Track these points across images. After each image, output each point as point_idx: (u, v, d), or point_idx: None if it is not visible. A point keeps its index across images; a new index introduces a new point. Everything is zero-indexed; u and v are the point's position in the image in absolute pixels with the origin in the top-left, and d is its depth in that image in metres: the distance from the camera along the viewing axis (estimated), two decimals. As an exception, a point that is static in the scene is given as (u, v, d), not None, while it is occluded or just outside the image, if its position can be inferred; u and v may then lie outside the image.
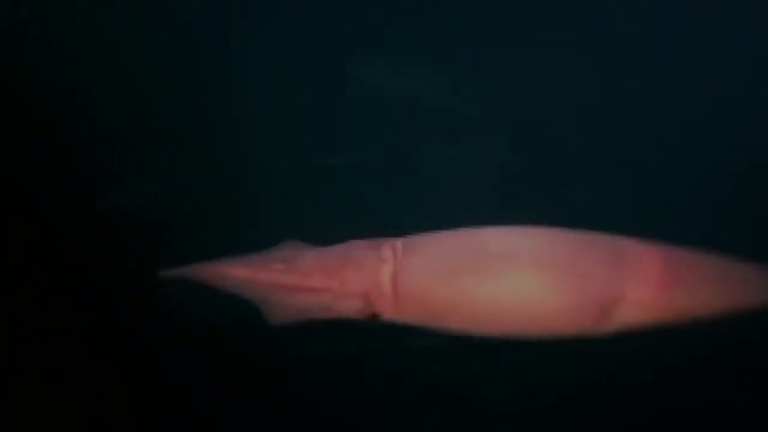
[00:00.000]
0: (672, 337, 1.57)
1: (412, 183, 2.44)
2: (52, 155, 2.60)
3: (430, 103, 2.67)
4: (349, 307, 1.58)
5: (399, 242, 1.68)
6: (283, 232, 1.86)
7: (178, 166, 2.57)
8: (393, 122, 2.63)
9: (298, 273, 1.63)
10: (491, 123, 2.60)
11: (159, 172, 2.57)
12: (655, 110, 2.40)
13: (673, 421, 1.82)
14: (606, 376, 1.81)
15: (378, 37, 2.80)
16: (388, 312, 1.55)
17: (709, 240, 1.63)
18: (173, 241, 2.32)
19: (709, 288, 1.55)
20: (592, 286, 1.49)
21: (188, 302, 1.99)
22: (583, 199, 2.05)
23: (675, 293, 1.52)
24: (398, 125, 2.62)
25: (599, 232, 1.61)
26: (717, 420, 1.82)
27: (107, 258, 2.40)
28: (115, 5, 2.86)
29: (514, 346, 1.60)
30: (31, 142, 2.62)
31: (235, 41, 2.84)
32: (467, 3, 2.90)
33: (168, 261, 1.98)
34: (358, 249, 1.66)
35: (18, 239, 2.41)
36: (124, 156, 2.61)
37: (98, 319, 2.32)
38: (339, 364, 2.02)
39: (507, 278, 1.52)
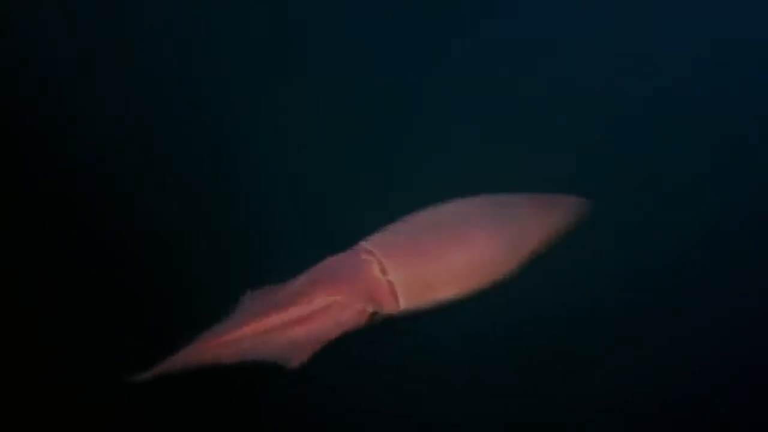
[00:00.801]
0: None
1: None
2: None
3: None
4: (357, 313, 1.71)
5: (367, 243, 1.86)
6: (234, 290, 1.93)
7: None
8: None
9: (303, 301, 1.71)
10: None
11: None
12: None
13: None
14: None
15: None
16: (390, 304, 1.74)
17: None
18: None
19: (559, 211, 2.07)
20: (514, 232, 1.89)
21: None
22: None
23: (548, 218, 2.01)
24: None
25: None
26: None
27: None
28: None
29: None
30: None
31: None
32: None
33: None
34: (340, 261, 1.81)
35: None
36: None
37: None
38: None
39: (470, 241, 1.82)
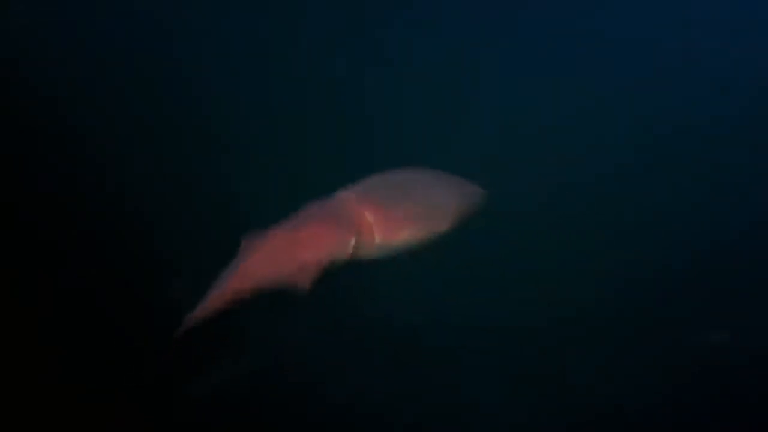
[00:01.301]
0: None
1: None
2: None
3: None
4: (344, 243, 2.03)
5: (344, 192, 2.20)
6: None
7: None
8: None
9: (299, 231, 2.03)
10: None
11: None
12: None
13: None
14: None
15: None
16: (368, 238, 2.08)
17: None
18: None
19: (470, 192, 2.42)
20: (446, 196, 2.29)
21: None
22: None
23: (464, 194, 2.38)
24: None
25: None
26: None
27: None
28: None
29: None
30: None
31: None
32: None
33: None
34: (325, 203, 2.15)
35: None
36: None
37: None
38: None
39: (420, 196, 2.24)
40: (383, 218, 2.11)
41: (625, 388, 2.38)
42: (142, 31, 3.15)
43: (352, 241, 2.05)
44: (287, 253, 1.99)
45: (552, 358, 2.39)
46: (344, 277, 2.18)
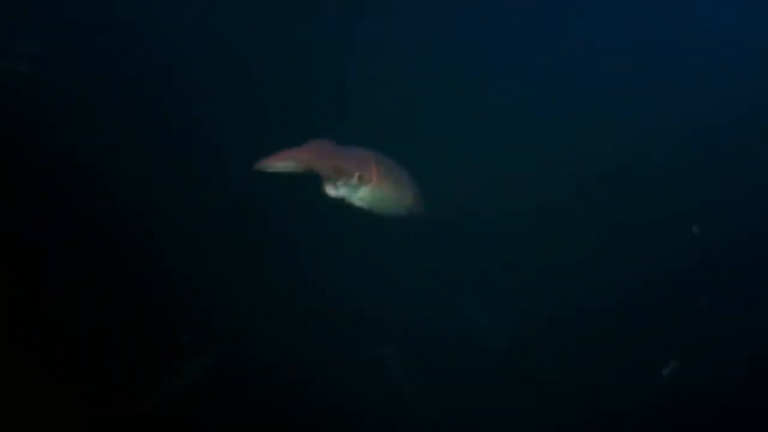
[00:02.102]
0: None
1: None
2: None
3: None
4: (355, 170, 2.37)
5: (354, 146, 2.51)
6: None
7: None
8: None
9: (332, 149, 2.39)
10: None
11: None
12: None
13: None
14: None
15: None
16: (369, 175, 2.41)
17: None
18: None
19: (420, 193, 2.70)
20: (411, 182, 2.61)
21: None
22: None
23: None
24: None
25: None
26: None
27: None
28: None
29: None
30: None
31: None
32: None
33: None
34: (349, 149, 2.48)
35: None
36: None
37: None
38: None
39: (401, 171, 2.56)
40: (381, 168, 2.49)
41: (625, 388, 2.38)
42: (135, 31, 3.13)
43: (357, 175, 2.40)
44: (325, 157, 2.35)
45: (552, 358, 2.40)
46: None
